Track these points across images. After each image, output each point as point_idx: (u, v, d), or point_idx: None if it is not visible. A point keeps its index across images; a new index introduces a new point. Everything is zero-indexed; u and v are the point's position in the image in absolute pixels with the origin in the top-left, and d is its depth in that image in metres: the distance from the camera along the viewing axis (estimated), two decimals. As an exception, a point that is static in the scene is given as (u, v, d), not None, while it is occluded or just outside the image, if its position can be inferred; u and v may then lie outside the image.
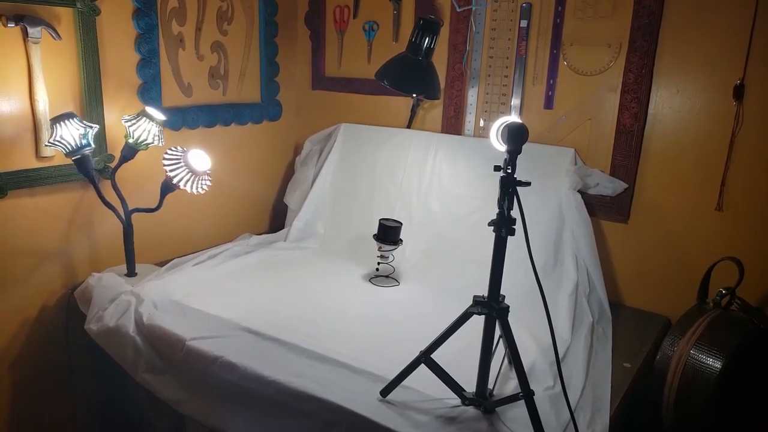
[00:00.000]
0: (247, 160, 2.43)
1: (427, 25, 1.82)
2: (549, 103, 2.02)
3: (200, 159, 1.74)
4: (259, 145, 2.47)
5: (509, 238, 1.94)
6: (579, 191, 1.91)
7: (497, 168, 1.22)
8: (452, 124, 2.22)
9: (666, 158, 1.84)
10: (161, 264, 2.00)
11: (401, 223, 2.00)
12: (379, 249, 1.98)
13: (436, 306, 1.85)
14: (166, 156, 1.71)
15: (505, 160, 1.21)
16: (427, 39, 1.83)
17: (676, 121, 1.80)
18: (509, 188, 1.20)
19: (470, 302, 1.91)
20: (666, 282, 1.89)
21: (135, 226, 1.88)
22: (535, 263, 1.28)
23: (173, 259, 2.02)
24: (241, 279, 1.97)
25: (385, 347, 1.58)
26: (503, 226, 1.21)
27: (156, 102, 1.99)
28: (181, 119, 2.10)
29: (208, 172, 1.75)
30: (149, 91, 1.98)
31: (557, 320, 1.72)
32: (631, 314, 1.89)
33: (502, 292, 1.89)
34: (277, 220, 2.58)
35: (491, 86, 2.12)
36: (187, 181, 1.70)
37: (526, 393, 1.21)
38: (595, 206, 1.93)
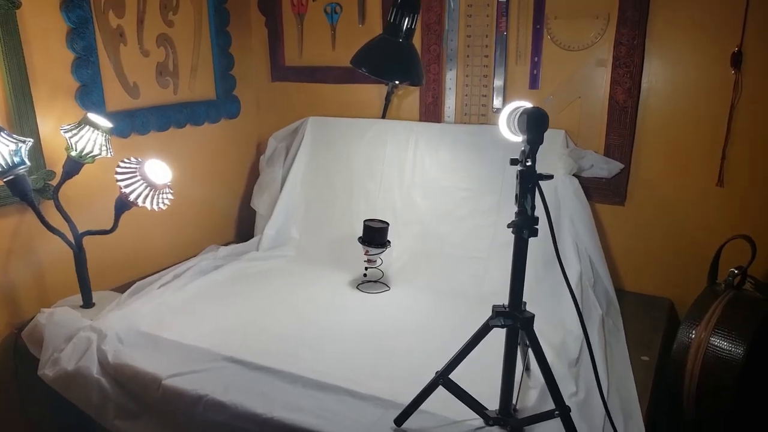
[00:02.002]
0: (206, 163, 2.21)
1: (406, 3, 1.65)
2: (534, 83, 1.89)
3: (159, 170, 1.53)
4: (218, 147, 2.26)
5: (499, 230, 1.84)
6: (575, 175, 1.79)
7: (514, 162, 1.08)
8: (431, 111, 2.06)
9: (662, 134, 1.74)
10: (121, 289, 1.78)
11: (388, 224, 1.84)
12: (366, 253, 1.82)
13: (433, 310, 1.72)
14: (119, 169, 1.49)
15: (523, 151, 1.06)
16: (407, 18, 1.66)
17: (672, 94, 1.70)
18: (530, 183, 1.05)
19: (467, 302, 1.81)
20: (667, 264, 1.80)
21: (87, 250, 1.66)
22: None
23: (134, 282, 1.81)
24: (214, 298, 1.77)
25: (389, 365, 1.42)
26: (525, 226, 1.07)
27: (98, 106, 1.76)
28: (129, 124, 1.87)
29: (168, 184, 1.54)
30: (89, 94, 1.74)
31: (565, 316, 1.60)
32: (633, 300, 1.80)
33: (496, 287, 1.80)
34: (244, 227, 2.38)
35: (471, 68, 1.97)
36: (146, 196, 1.49)
37: (562, 410, 1.08)
38: (590, 189, 1.82)
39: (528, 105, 1.11)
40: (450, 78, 2.01)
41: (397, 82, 2.01)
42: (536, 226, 1.08)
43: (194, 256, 2.06)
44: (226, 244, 2.19)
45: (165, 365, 1.41)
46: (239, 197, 2.40)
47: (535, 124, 1.03)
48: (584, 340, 1.49)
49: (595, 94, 1.80)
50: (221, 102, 2.23)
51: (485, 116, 1.99)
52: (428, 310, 1.72)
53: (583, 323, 1.18)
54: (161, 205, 1.52)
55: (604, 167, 1.78)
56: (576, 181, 1.76)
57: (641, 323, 1.64)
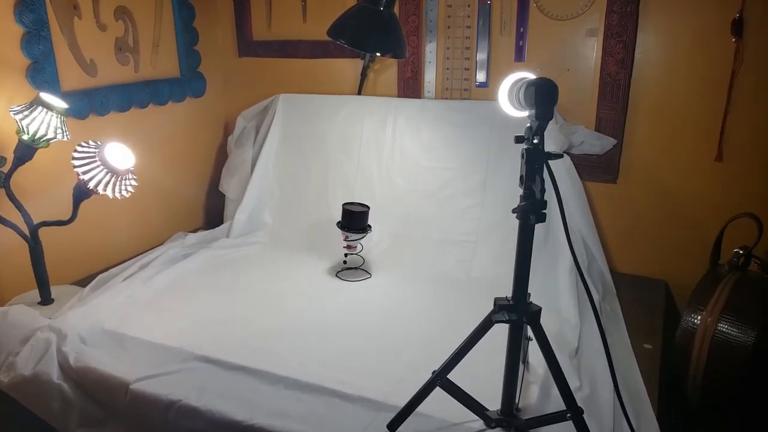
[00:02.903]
0: (172, 145, 2.06)
1: (387, -32, 1.52)
2: (520, 55, 1.78)
3: (121, 154, 1.38)
4: (184, 127, 2.11)
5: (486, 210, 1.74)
6: (565, 152, 1.70)
7: (519, 139, 0.98)
8: (410, 86, 1.95)
9: (657, 108, 1.66)
10: (83, 283, 1.65)
11: (368, 207, 1.73)
12: (346, 239, 1.71)
13: (419, 298, 1.62)
14: (77, 154, 1.35)
15: (529, 127, 0.96)
16: (388, -16, 1.54)
17: (668, 64, 1.62)
18: (538, 163, 0.95)
19: (455, 288, 1.70)
20: (662, 244, 1.74)
21: (43, 241, 1.52)
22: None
23: (97, 274, 1.67)
24: (184, 290, 1.64)
25: (377, 361, 1.32)
26: (532, 211, 0.97)
27: (52, 85, 1.60)
28: (88, 104, 1.71)
29: (131, 169, 1.41)
30: (41, 72, 1.58)
31: (560, 302, 1.53)
32: (626, 282, 1.73)
33: (486, 272, 1.71)
34: (213, 213, 2.24)
35: (452, 39, 1.85)
36: (107, 183, 1.35)
37: (575, 413, 0.99)
38: (581, 167, 1.74)
39: (531, 76, 1.01)
40: (430, 51, 1.89)
41: (377, 55, 1.88)
42: (544, 211, 0.99)
43: (160, 245, 1.92)
44: (194, 231, 2.06)
45: (132, 367, 1.29)
46: (207, 181, 2.26)
47: (544, 96, 0.93)
48: (581, 328, 1.45)
49: (586, 66, 1.71)
50: (186, 80, 2.07)
51: (468, 91, 1.89)
52: (414, 298, 1.62)
53: (598, 317, 1.09)
54: (124, 193, 1.38)
55: (596, 143, 1.70)
56: (568, 158, 1.68)
57: (638, 308, 1.57)
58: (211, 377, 1.26)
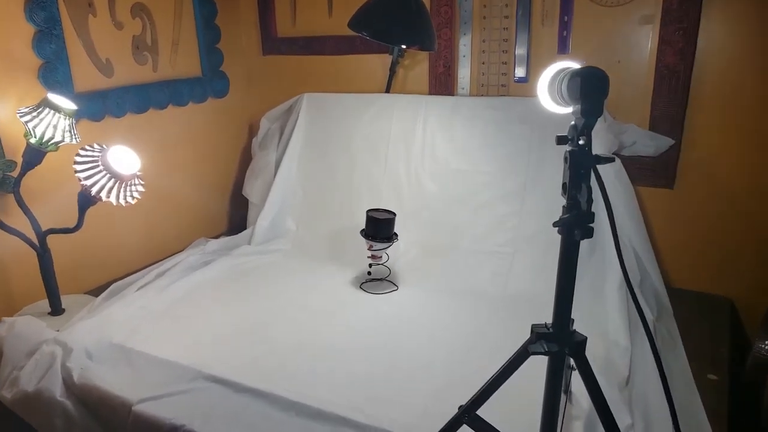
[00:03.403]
0: (193, 147, 1.98)
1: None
2: (564, 47, 1.62)
3: (125, 157, 1.29)
4: (205, 129, 2.02)
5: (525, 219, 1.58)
6: (614, 153, 1.53)
7: (562, 139, 0.83)
8: (442, 83, 1.81)
9: (722, 103, 1.47)
10: (98, 291, 1.57)
11: (394, 214, 1.60)
12: (370, 248, 1.58)
13: (449, 315, 1.48)
14: (79, 158, 1.26)
15: (574, 126, 0.81)
16: (415, -30, 1.40)
17: (735, 55, 1.44)
18: (584, 168, 0.80)
19: (489, 305, 1.52)
20: (726, 257, 1.55)
21: (59, 246, 1.47)
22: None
23: (113, 282, 1.59)
24: (199, 301, 1.54)
25: (400, 387, 1.19)
26: (577, 225, 0.82)
27: (65, 86, 1.53)
28: (102, 106, 1.63)
29: (137, 174, 1.31)
30: (53, 72, 1.51)
31: (608, 323, 1.36)
32: (685, 300, 1.54)
33: (523, 288, 1.55)
34: (237, 218, 2.15)
35: (488, 31, 1.71)
36: (111, 189, 1.25)
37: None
38: (632, 170, 1.56)
39: (576, 66, 0.85)
40: (464, 44, 1.75)
41: (403, 48, 1.74)
42: (591, 225, 0.83)
43: (181, 251, 1.83)
44: (217, 237, 1.97)
45: (137, 386, 1.20)
46: (231, 184, 2.17)
47: (592, 88, 0.78)
48: (631, 352, 1.28)
49: (639, 57, 1.54)
50: (207, 79, 1.98)
51: (505, 87, 1.74)
52: (443, 315, 1.48)
53: (653, 340, 0.93)
54: (129, 199, 1.29)
55: (650, 144, 1.52)
56: (618, 161, 1.51)
57: (700, 330, 1.39)
58: (218, 400, 1.16)
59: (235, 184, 2.16)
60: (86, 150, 1.28)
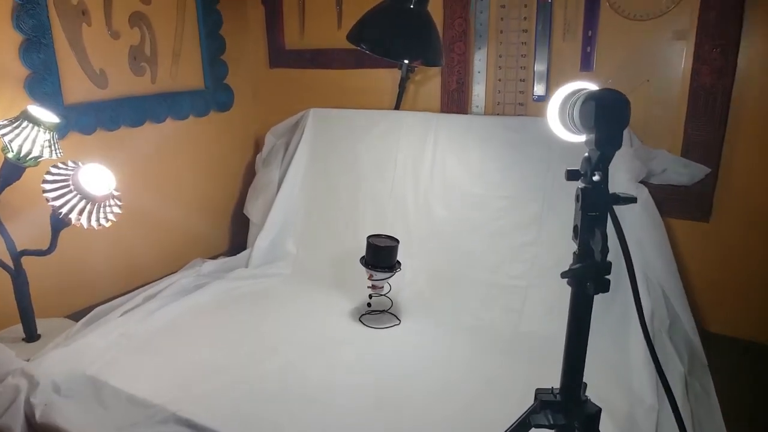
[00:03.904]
0: (193, 162, 1.88)
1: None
2: (587, 64, 1.48)
3: (99, 176, 1.19)
4: (207, 143, 1.92)
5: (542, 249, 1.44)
6: (642, 182, 1.38)
7: (573, 175, 0.69)
8: (455, 100, 1.68)
9: (764, 129, 1.31)
10: (81, 315, 1.46)
11: (398, 241, 1.47)
12: (370, 277, 1.45)
13: (453, 356, 1.34)
14: (49, 177, 1.16)
15: (587, 159, 0.68)
16: (420, -24, 1.28)
17: (781, 75, 1.28)
18: (599, 210, 0.66)
19: (500, 344, 1.39)
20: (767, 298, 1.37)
21: (40, 267, 1.37)
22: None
23: (99, 305, 1.49)
24: (185, 330, 1.43)
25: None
26: (590, 277, 0.68)
27: (53, 98, 1.45)
28: (95, 118, 1.55)
29: (113, 194, 1.21)
30: (41, 83, 1.43)
31: (631, 375, 1.20)
32: (721, 347, 1.38)
33: (538, 327, 1.39)
34: (238, 237, 2.04)
35: (505, 45, 1.58)
36: (82, 210, 1.15)
37: None
38: (662, 201, 1.41)
39: (592, 87, 0.72)
40: (479, 59, 1.62)
41: (405, 62, 1.62)
42: (607, 277, 0.70)
43: (176, 272, 1.73)
44: (216, 257, 1.86)
45: (103, 427, 1.09)
46: (234, 202, 2.07)
47: (608, 116, 0.65)
48: (658, 410, 1.12)
49: (671, 76, 1.39)
50: (210, 92, 1.89)
51: (523, 106, 1.60)
52: (448, 354, 1.34)
53: (674, 403, 0.78)
54: (102, 221, 1.18)
55: (683, 172, 1.37)
56: (645, 190, 1.35)
57: (738, 384, 1.22)
58: (187, 451, 1.03)
59: (239, 202, 2.06)
60: (58, 168, 1.18)
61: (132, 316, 1.45)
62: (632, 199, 0.69)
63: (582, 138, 0.72)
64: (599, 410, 0.74)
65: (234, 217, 2.06)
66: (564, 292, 1.39)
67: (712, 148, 1.36)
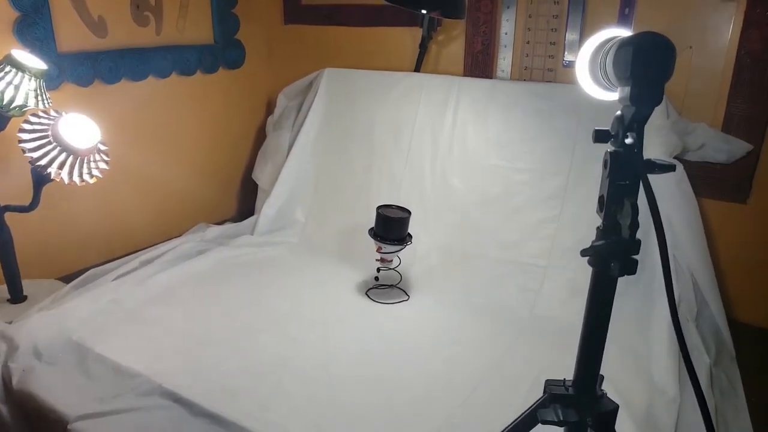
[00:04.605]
0: (200, 121, 1.80)
1: None
2: (625, 26, 1.35)
3: (82, 128, 1.11)
4: (215, 102, 1.84)
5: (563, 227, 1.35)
6: (677, 157, 1.27)
7: (602, 136, 0.60)
8: (479, 63, 1.57)
9: (819, 103, 1.19)
10: (72, 277, 1.40)
11: (409, 212, 1.38)
12: (379, 250, 1.37)
13: (463, 337, 1.26)
14: (26, 126, 1.09)
15: (620, 119, 0.58)
16: None
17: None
18: (630, 178, 0.57)
19: (513, 326, 1.30)
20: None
21: (27, 224, 1.32)
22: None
23: (92, 267, 1.42)
24: (181, 298, 1.37)
25: (394, 426, 0.98)
26: (615, 255, 0.59)
27: (45, 44, 1.37)
28: (92, 69, 1.47)
29: (99, 148, 1.13)
30: (32, 27, 1.34)
31: (652, 364, 1.11)
32: (750, 338, 1.29)
33: (555, 310, 1.30)
34: (247, 203, 1.97)
35: (536, 5, 1.46)
36: (63, 164, 1.08)
37: None
38: (697, 179, 1.29)
39: (628, 33, 0.62)
40: (507, 19, 1.50)
41: (424, 13, 1.49)
42: (635, 256, 0.60)
43: (179, 236, 1.67)
44: (222, 223, 1.79)
45: (83, 398, 1.03)
46: (243, 166, 1.99)
47: (648, 62, 0.55)
48: (680, 403, 1.03)
49: (716, 42, 1.27)
50: (219, 47, 1.79)
51: (552, 72, 1.49)
52: (458, 335, 1.26)
53: (703, 397, 0.70)
54: (87, 177, 1.11)
55: (723, 148, 1.26)
56: (680, 166, 1.24)
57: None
58: (169, 424, 0.98)
59: (248, 166, 1.98)
60: (38, 117, 1.10)
61: (126, 281, 1.39)
62: (670, 167, 0.59)
63: (614, 95, 0.62)
64: (616, 407, 0.66)
65: (243, 182, 1.99)
66: (584, 273, 1.29)
67: (757, 124, 1.24)
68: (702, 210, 1.30)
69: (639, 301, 1.23)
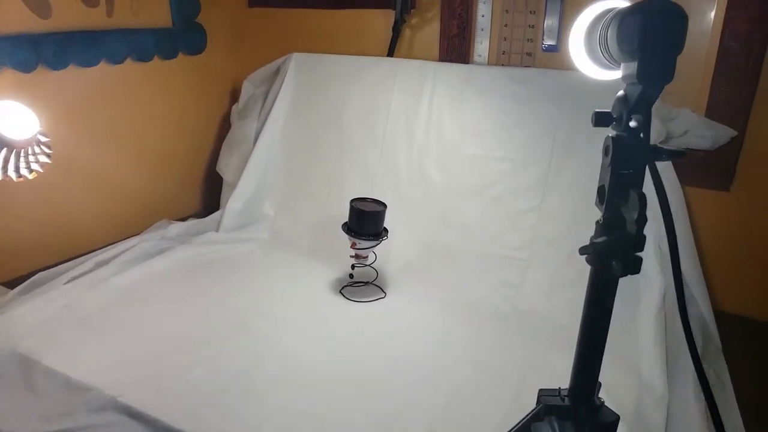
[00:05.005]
0: (154, 110, 1.68)
1: None
2: (606, 8, 1.30)
3: (16, 117, 0.99)
4: (174, 90, 1.73)
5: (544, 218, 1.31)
6: (659, 144, 1.23)
7: (603, 119, 0.54)
8: (455, 48, 1.50)
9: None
10: (17, 283, 1.29)
11: (385, 205, 1.31)
12: (353, 246, 1.29)
13: (443, 336, 1.21)
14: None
15: (623, 99, 0.52)
16: None
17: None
18: (636, 167, 0.52)
19: (496, 323, 1.24)
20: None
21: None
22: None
23: (39, 271, 1.31)
24: (141, 301, 1.27)
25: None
26: (618, 253, 0.54)
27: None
28: (34, 53, 1.35)
29: (39, 139, 1.02)
30: (-43, 6, 1.22)
31: (640, 359, 1.08)
32: (737, 329, 1.25)
33: (538, 304, 1.25)
34: (211, 196, 1.87)
35: (514, -14, 1.39)
36: (-2, 158, 0.97)
37: None
38: (680, 166, 1.25)
39: (627, 3, 0.56)
40: (484, 2, 1.43)
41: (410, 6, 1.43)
42: (639, 254, 0.55)
43: (137, 234, 1.56)
44: (185, 219, 1.69)
45: (27, 417, 0.95)
46: (206, 158, 1.88)
47: (659, 34, 0.49)
48: (669, 399, 1.00)
49: (698, 24, 1.23)
50: (178, 31, 1.68)
51: (531, 56, 1.43)
52: (438, 333, 1.21)
53: (711, 397, 0.65)
54: (24, 172, 1.00)
55: (706, 135, 1.22)
56: (667, 155, 1.19)
57: (757, 371, 1.09)
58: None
59: (211, 158, 1.87)
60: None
61: (78, 285, 1.30)
62: (680, 153, 0.54)
63: (616, 73, 0.55)
64: (617, 418, 0.60)
65: (207, 176, 1.88)
66: (567, 265, 1.26)
67: (740, 109, 1.20)
68: (686, 198, 1.26)
69: (625, 292, 1.18)
